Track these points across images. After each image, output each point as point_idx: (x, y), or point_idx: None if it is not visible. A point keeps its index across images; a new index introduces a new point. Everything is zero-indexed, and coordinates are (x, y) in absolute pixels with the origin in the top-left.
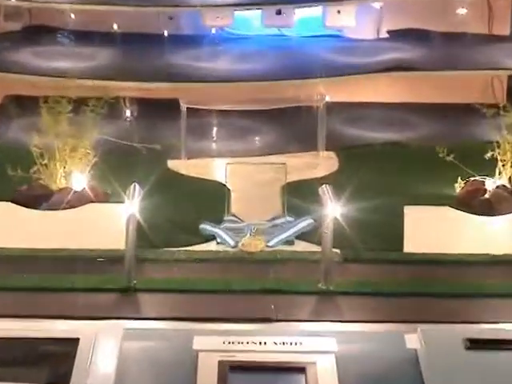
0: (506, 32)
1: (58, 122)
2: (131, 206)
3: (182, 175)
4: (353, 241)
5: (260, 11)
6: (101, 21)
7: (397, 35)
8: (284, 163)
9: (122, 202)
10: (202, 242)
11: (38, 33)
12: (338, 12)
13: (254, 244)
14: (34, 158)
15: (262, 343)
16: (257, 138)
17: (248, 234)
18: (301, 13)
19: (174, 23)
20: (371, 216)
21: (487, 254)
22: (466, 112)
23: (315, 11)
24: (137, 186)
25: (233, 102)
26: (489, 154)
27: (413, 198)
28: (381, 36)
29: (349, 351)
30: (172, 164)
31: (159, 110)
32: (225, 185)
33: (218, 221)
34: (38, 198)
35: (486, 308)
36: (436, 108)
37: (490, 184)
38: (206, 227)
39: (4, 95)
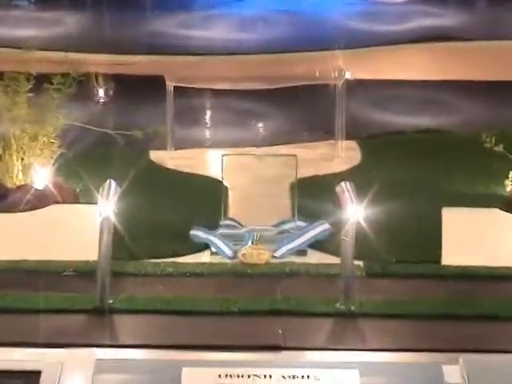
0: None
1: (14, 103)
2: (106, 207)
3: (168, 169)
4: (378, 251)
5: None
6: None
7: None
8: (294, 155)
9: (95, 202)
10: (193, 252)
11: None
12: None
13: (256, 254)
14: None
15: (267, 376)
16: (260, 125)
17: (249, 243)
18: None
19: None
20: (401, 220)
21: None
22: None
23: None
24: (112, 184)
25: (230, 79)
26: None
27: (453, 198)
28: None
29: None
30: (156, 156)
31: (140, 90)
32: (221, 181)
33: (212, 226)
34: None
35: None
36: (480, 87)
37: None
38: (198, 234)
39: None
